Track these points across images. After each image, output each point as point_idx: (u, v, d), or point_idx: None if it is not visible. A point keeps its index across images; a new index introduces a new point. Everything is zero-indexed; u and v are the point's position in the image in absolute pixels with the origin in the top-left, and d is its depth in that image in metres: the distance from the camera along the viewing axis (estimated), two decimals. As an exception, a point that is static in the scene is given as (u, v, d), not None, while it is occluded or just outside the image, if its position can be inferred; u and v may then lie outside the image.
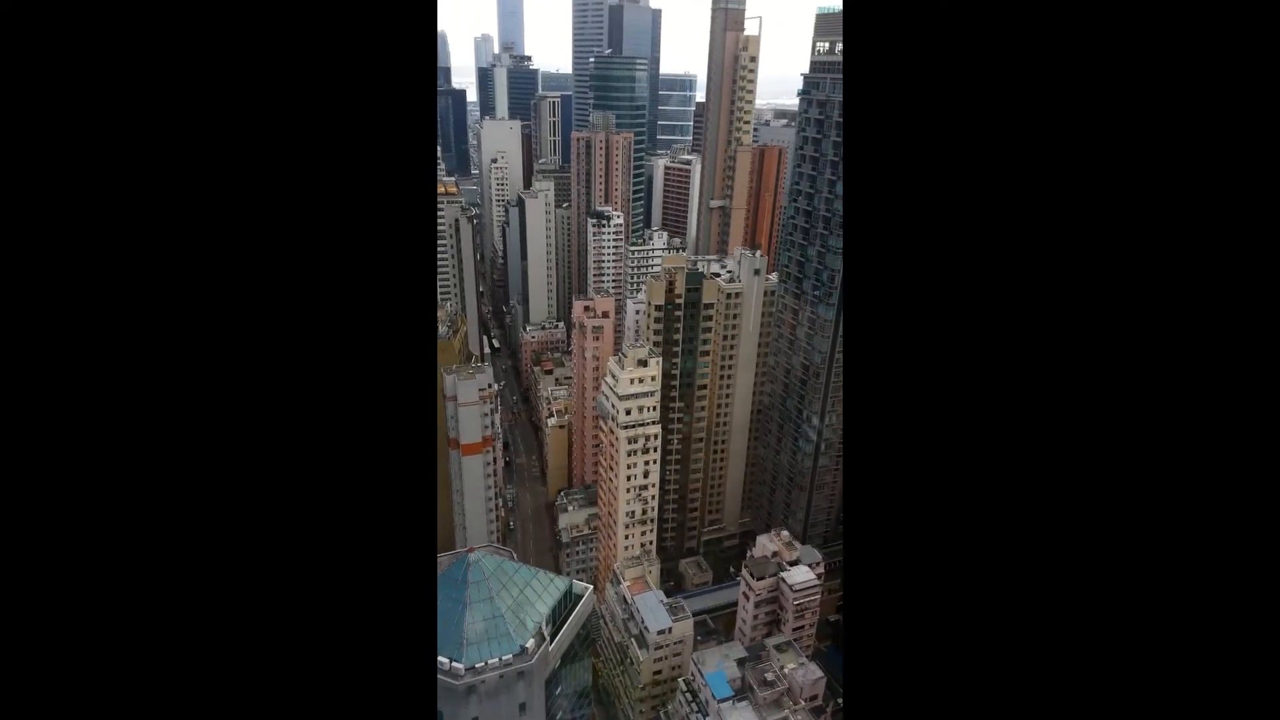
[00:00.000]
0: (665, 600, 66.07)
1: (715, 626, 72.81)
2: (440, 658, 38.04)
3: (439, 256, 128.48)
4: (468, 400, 79.10)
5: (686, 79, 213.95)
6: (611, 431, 75.34)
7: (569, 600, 44.40)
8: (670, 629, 63.05)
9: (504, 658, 39.28)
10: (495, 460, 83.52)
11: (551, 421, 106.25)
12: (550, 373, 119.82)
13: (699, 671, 56.82)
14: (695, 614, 66.52)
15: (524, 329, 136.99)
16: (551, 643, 41.53)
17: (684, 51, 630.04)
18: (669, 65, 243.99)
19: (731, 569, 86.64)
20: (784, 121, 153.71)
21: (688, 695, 57.48)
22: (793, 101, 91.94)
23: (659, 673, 64.19)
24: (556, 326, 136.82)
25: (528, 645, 39.97)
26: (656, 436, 75.49)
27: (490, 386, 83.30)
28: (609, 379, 76.66)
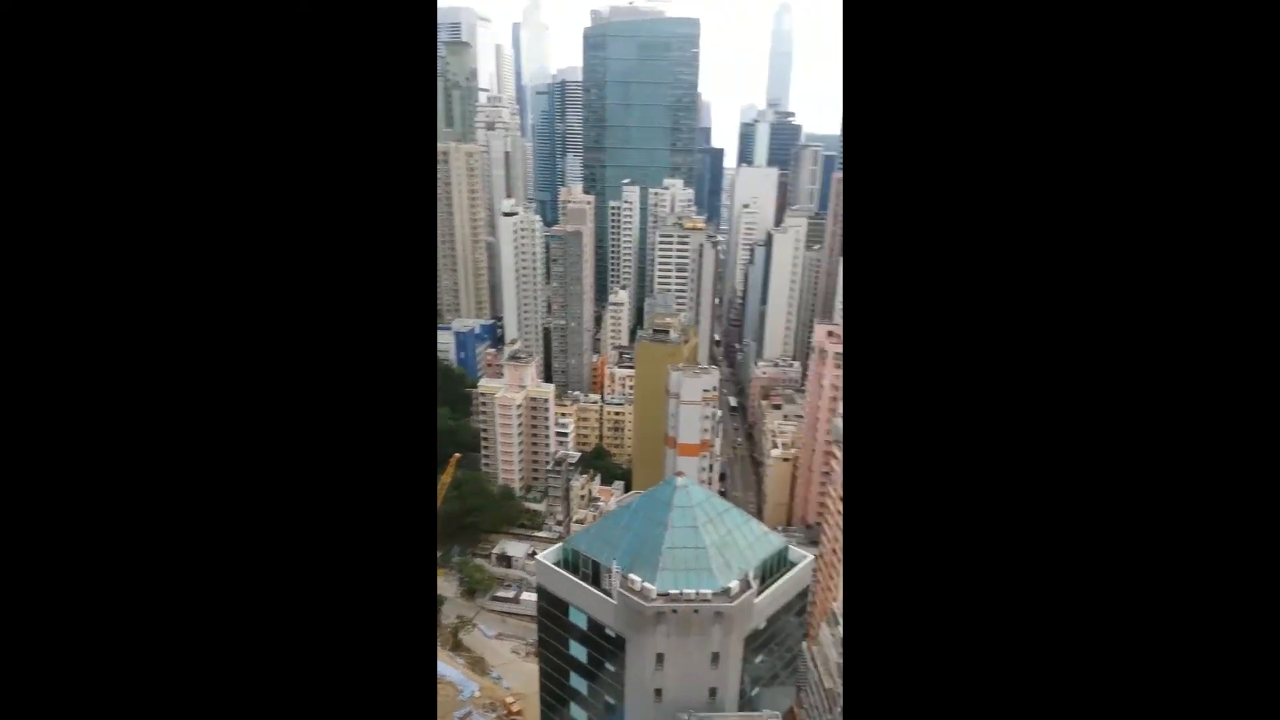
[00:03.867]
0: (892, 655, 56.78)
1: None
2: (631, 575, 35.14)
3: (680, 278, 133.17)
4: (690, 399, 79.47)
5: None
6: (846, 458, 69.52)
7: (783, 562, 39.06)
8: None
9: (702, 592, 34.93)
10: (712, 469, 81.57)
11: (775, 453, 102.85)
12: (778, 408, 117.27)
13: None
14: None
15: (755, 365, 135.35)
16: (759, 596, 36.28)
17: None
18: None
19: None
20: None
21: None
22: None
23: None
24: (790, 365, 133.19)
25: (731, 587, 35.19)
26: (902, 470, 67.98)
27: (714, 390, 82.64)
28: (850, 399, 71.48)
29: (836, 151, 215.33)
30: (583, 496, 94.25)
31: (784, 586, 39.22)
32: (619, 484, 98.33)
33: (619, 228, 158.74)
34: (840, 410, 73.49)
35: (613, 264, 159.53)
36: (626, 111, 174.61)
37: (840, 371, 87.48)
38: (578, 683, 40.38)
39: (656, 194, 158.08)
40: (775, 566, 39.36)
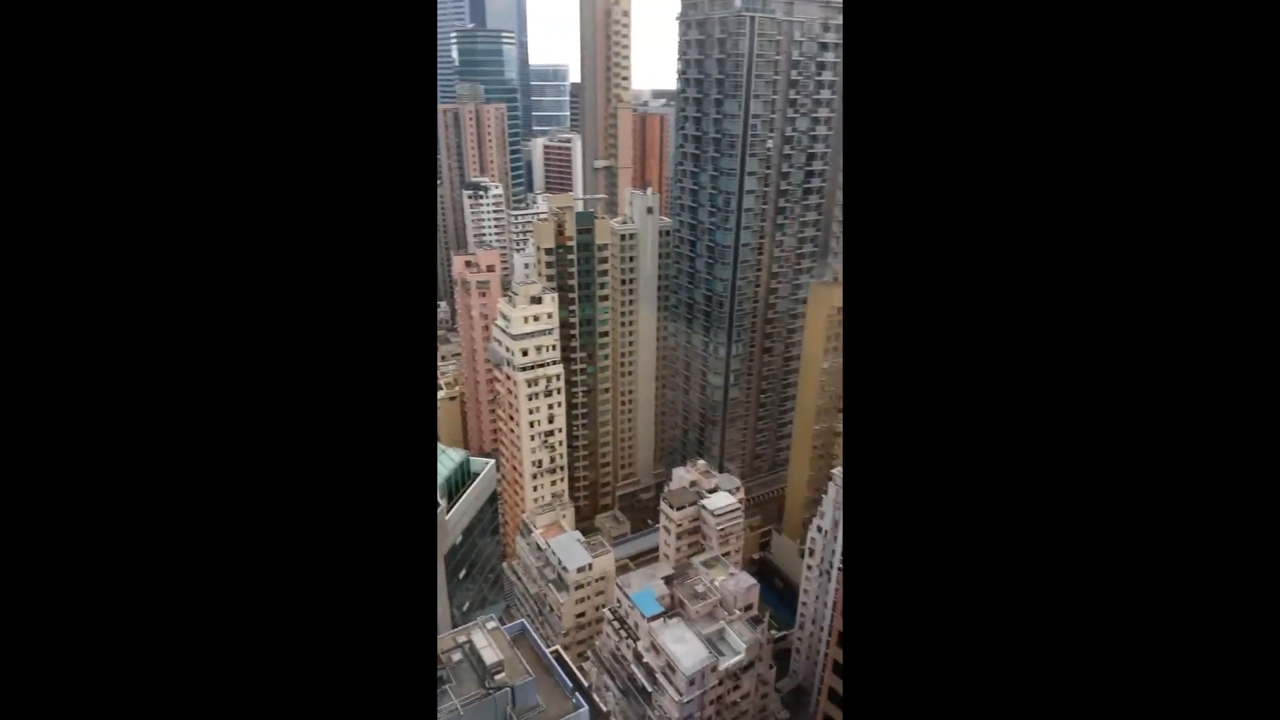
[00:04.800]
0: (583, 539, 62.05)
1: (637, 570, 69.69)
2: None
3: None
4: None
5: (559, 69, 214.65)
6: (509, 377, 71.68)
7: (466, 474, 39.33)
8: (591, 565, 59.09)
9: (390, 525, 33.38)
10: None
11: (440, 395, 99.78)
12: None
13: (625, 595, 52.92)
14: (616, 561, 63.79)
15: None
16: (449, 513, 36.10)
17: (554, 41, 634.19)
18: (539, 55, 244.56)
19: (649, 521, 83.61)
20: (662, 101, 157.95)
21: (615, 624, 53.34)
22: (666, 84, 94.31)
23: (582, 614, 60.17)
24: (438, 305, 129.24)
25: (419, 510, 34.34)
26: (559, 377, 73.07)
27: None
28: (500, 321, 73.34)
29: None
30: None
31: (473, 495, 39.63)
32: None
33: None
34: (494, 335, 74.85)
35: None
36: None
37: (485, 299, 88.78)
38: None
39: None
40: (461, 480, 39.41)
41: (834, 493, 57.88)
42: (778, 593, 77.75)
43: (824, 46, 73.45)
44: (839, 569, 45.67)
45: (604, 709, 45.81)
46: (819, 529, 60.10)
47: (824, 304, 72.67)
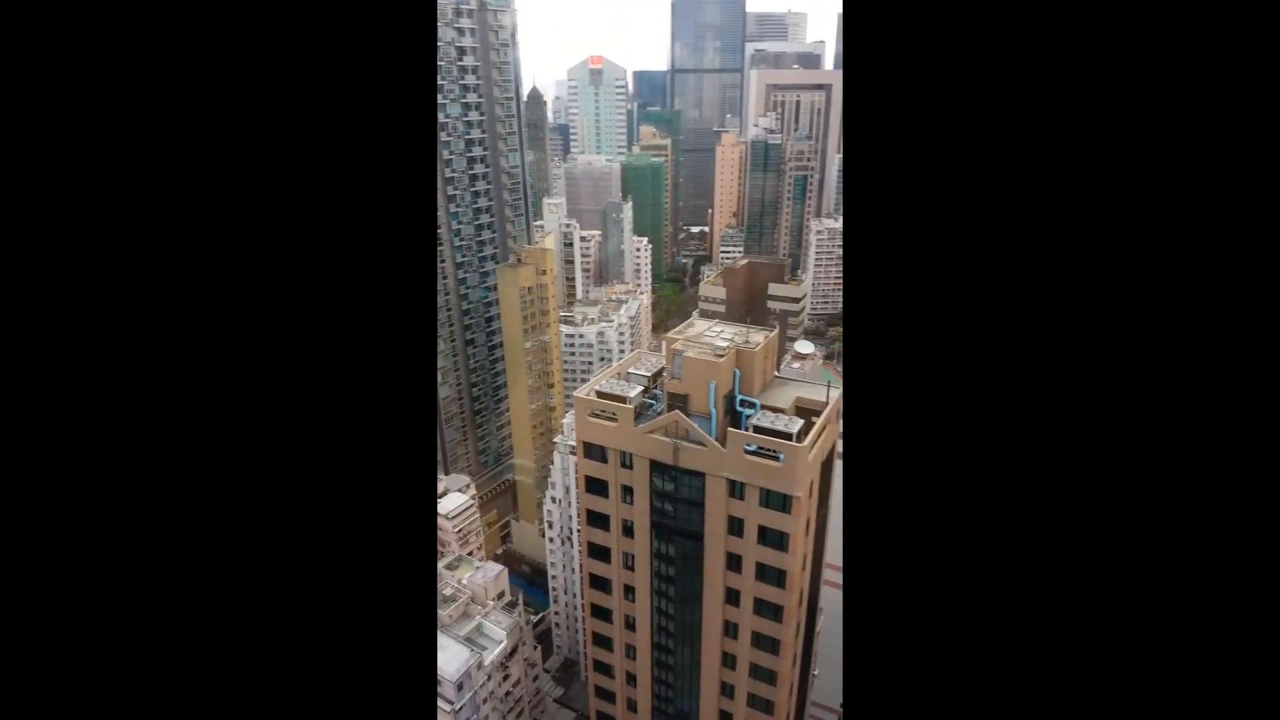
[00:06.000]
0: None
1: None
2: None
3: None
4: None
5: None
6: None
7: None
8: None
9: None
10: None
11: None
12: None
13: (367, 628, 48.55)
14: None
15: None
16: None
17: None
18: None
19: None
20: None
21: (359, 662, 48.69)
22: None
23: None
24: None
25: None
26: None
27: None
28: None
29: None
30: None
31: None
32: None
33: None
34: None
35: None
36: None
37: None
38: None
39: None
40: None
41: (560, 461, 59.84)
42: (527, 579, 78.40)
43: (461, 32, 73.87)
44: (579, 530, 47.63)
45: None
46: (553, 499, 61.77)
47: (512, 286, 74.00)
